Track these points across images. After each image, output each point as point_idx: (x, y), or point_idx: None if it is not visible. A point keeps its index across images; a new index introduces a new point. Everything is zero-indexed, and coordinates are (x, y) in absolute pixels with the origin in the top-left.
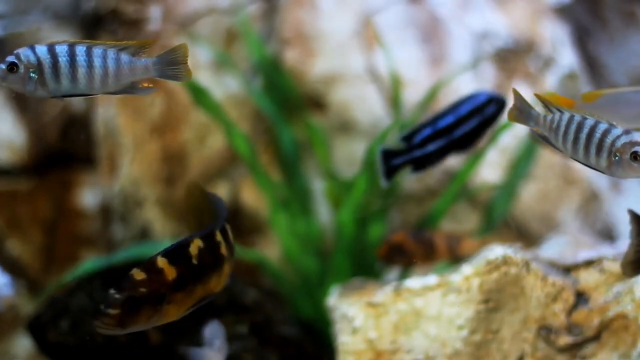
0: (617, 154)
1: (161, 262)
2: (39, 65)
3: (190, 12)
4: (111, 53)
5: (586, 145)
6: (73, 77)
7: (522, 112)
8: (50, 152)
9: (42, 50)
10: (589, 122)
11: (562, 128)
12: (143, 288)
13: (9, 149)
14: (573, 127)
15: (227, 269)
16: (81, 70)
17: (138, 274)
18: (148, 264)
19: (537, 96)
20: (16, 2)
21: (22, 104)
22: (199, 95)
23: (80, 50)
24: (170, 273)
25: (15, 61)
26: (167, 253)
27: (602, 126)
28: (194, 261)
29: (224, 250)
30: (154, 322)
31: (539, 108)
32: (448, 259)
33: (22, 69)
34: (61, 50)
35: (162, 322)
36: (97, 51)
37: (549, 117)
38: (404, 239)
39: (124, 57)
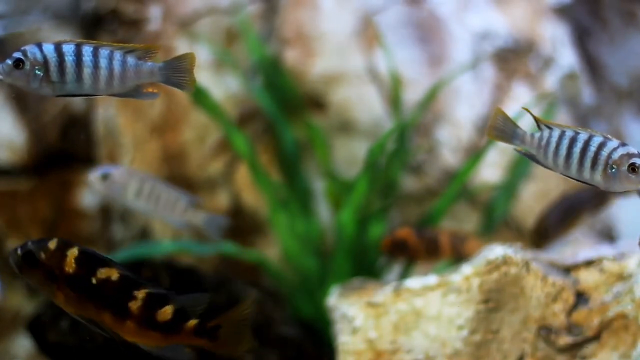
0: (614, 166)
1: (71, 251)
2: (45, 63)
3: (190, 12)
4: (118, 55)
5: (580, 160)
6: (78, 76)
7: (506, 132)
8: (50, 152)
9: (49, 48)
10: (582, 136)
11: (553, 144)
12: (43, 255)
13: (9, 149)
14: (565, 142)
15: (135, 328)
16: (87, 71)
17: (52, 243)
18: (63, 242)
19: (526, 110)
20: (16, 2)
21: (22, 104)
22: (199, 95)
23: (87, 50)
24: (69, 266)
25: (22, 57)
26: (83, 251)
27: (597, 139)
28: (94, 281)
29: (135, 307)
30: (47, 293)
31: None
32: (451, 258)
33: (28, 66)
34: (68, 49)
35: (56, 301)
36: (103, 52)
37: (537, 134)
38: (408, 235)
39: (130, 59)
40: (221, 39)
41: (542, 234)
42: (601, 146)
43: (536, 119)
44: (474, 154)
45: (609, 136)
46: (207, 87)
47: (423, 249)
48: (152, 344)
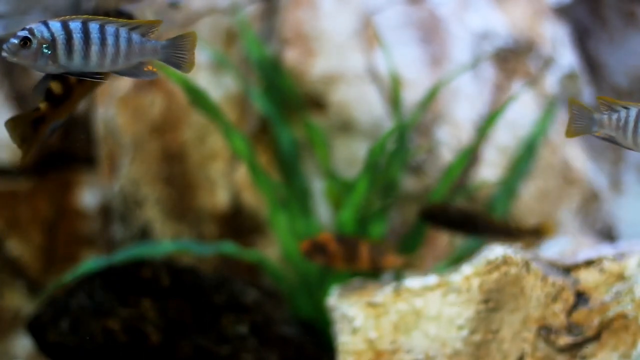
0: None
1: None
2: (52, 41)
3: (190, 12)
4: (123, 32)
5: None
6: (86, 54)
7: (583, 123)
8: (50, 152)
9: (56, 25)
10: None
11: (631, 124)
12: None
13: (9, 149)
14: None
15: None
16: (94, 48)
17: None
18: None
19: (600, 98)
20: (16, 2)
21: (22, 103)
22: (197, 96)
23: (94, 27)
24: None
25: (29, 36)
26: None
27: None
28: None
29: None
30: None
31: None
32: (369, 269)
33: (35, 44)
34: (75, 26)
35: None
36: (110, 29)
37: (615, 115)
38: (328, 240)
39: (135, 36)
40: (221, 39)
41: (431, 213)
42: None
43: (606, 100)
44: (465, 150)
45: None
46: (207, 87)
47: (341, 255)
48: None
